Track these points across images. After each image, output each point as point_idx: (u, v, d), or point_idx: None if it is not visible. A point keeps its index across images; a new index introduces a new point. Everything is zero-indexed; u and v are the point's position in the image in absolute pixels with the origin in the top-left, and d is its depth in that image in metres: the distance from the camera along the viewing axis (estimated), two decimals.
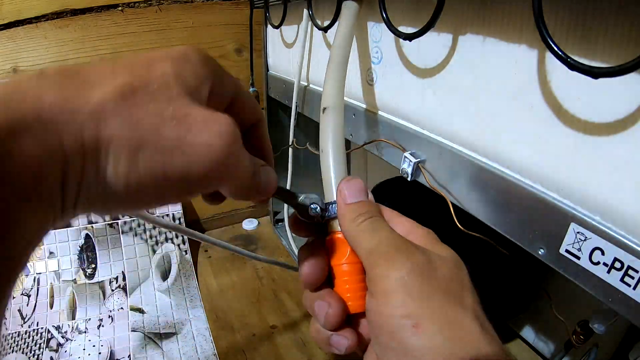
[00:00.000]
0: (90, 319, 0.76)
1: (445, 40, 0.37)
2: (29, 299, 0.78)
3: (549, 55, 0.29)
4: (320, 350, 0.70)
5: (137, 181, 0.16)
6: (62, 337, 0.73)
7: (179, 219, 0.93)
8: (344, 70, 0.39)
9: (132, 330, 0.74)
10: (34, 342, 0.72)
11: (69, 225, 0.82)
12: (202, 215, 1.04)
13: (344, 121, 0.33)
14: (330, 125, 0.33)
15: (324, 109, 0.34)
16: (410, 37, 0.37)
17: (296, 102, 0.68)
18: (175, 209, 0.93)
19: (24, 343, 0.72)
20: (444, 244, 0.24)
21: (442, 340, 0.19)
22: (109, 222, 0.86)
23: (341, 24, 0.43)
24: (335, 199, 0.26)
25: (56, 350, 0.71)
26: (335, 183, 0.28)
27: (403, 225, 0.25)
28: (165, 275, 0.85)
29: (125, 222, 0.87)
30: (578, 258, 0.29)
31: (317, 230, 0.27)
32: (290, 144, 0.75)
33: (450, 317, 0.20)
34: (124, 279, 0.83)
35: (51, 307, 0.78)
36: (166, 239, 0.89)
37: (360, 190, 0.25)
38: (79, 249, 0.83)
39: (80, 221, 0.84)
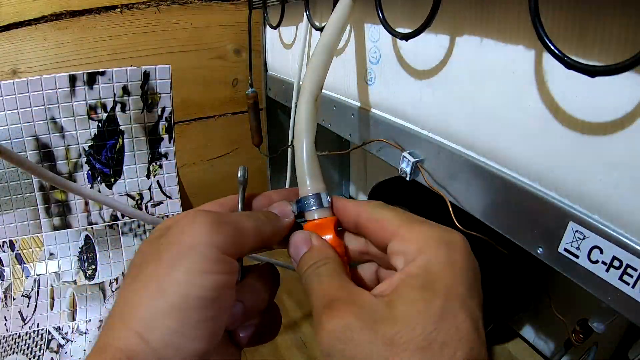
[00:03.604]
0: (90, 320, 0.76)
1: (443, 41, 0.37)
2: (29, 301, 0.78)
3: (546, 55, 0.29)
4: None
5: None
6: (63, 338, 0.73)
7: None
8: (329, 55, 0.36)
9: None
10: (35, 343, 0.72)
11: (69, 227, 0.82)
12: None
13: (341, 121, 0.31)
14: (304, 115, 0.30)
15: (303, 93, 0.31)
16: (406, 37, 0.37)
17: (295, 103, 0.68)
18: (175, 210, 0.93)
19: (25, 344, 0.72)
20: (453, 231, 0.21)
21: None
22: (109, 224, 0.85)
23: (334, 12, 0.40)
24: (305, 194, 0.26)
25: (57, 352, 0.71)
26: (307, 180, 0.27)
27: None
28: None
29: (125, 223, 0.87)
30: (577, 257, 0.29)
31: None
32: (289, 144, 0.75)
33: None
34: None
35: (51, 308, 0.77)
36: None
37: (305, 240, 0.24)
38: (79, 250, 0.83)
39: (80, 222, 0.83)
